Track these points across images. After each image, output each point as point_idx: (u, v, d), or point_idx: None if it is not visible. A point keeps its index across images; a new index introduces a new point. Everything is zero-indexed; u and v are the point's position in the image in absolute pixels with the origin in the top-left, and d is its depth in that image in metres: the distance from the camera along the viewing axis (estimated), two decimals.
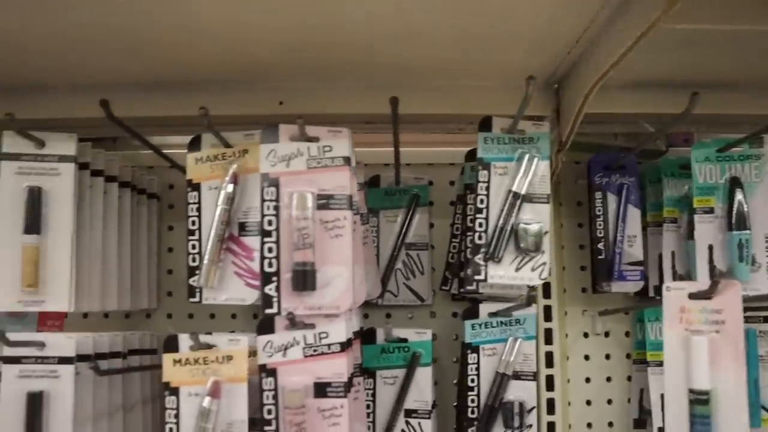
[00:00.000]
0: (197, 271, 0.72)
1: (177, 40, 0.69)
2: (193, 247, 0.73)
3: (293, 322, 0.64)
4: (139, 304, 0.91)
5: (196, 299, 0.72)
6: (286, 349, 0.68)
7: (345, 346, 0.68)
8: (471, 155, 0.87)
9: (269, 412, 0.68)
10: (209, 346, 0.68)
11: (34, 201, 0.71)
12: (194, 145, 0.74)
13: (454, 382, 0.93)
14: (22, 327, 0.90)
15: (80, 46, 0.70)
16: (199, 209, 0.73)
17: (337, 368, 0.67)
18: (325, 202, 0.67)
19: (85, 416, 0.73)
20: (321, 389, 0.67)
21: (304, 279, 0.65)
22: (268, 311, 0.66)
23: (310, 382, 0.67)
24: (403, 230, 0.93)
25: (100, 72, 0.78)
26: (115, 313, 0.96)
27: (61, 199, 0.73)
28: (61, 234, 0.72)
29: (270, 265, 0.66)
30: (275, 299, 0.66)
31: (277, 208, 0.67)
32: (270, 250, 0.67)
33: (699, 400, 0.64)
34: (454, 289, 0.91)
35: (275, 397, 0.68)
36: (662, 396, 0.87)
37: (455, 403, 0.93)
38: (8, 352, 0.71)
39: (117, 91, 0.75)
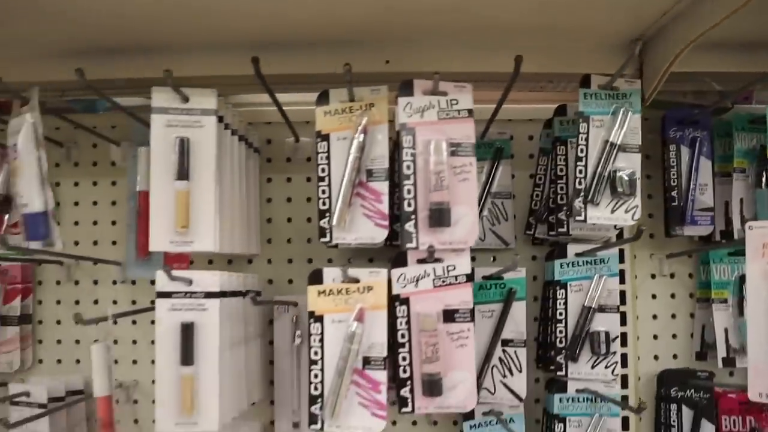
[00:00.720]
0: (327, 214, 0.80)
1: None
2: (323, 192, 0.81)
3: (432, 255, 0.73)
4: (252, 249, 0.99)
5: (327, 239, 0.80)
6: (417, 280, 0.77)
7: (470, 277, 0.76)
8: (559, 111, 0.95)
9: (403, 336, 0.77)
10: (351, 280, 0.76)
11: (184, 150, 0.79)
12: (322, 99, 0.82)
13: (535, 317, 1.02)
14: (147, 270, 0.98)
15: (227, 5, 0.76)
16: (328, 158, 0.81)
17: (463, 296, 0.76)
18: (454, 149, 0.76)
19: (225, 344, 0.82)
20: (449, 315, 0.76)
21: (441, 217, 0.73)
22: (409, 246, 0.74)
23: (440, 309, 0.76)
24: (489, 181, 1.00)
25: (241, 32, 0.84)
26: (219, 259, 1.05)
27: (205, 148, 0.80)
28: (205, 181, 0.80)
29: (409, 204, 0.75)
30: (414, 235, 0.75)
31: (413, 154, 0.75)
32: (409, 191, 0.75)
33: None
34: (538, 233, 1.00)
35: (408, 323, 0.76)
36: (725, 329, 0.97)
37: (536, 337, 1.02)
38: (163, 287, 0.79)
39: (250, 51, 0.82)
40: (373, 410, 0.75)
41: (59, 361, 1.08)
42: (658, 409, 1.00)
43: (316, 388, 0.76)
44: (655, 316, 1.04)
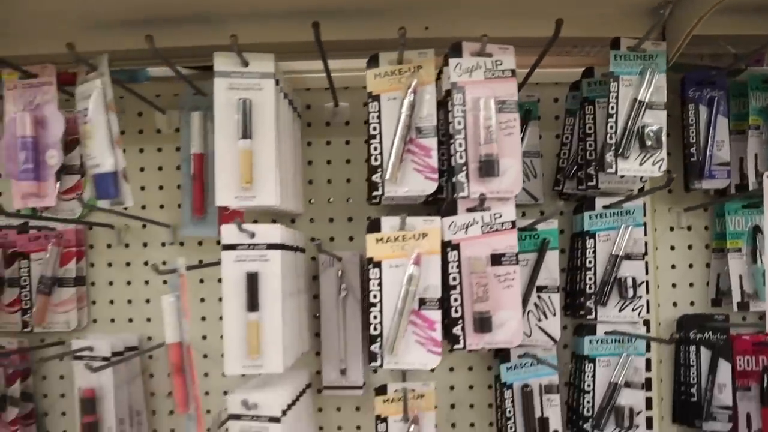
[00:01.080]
0: (379, 170, 0.86)
1: None
2: (375, 149, 0.87)
3: (483, 203, 0.80)
4: (299, 208, 1.05)
5: (379, 192, 0.87)
6: (467, 227, 0.83)
7: (514, 224, 0.83)
8: (587, 73, 1.01)
9: (454, 279, 0.84)
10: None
11: (246, 111, 0.85)
12: (372, 63, 0.87)
13: (563, 268, 1.09)
14: (202, 229, 1.04)
15: None
16: (379, 117, 0.87)
17: (510, 242, 0.83)
18: (499, 106, 0.82)
19: (285, 293, 0.88)
20: (497, 259, 0.83)
21: (490, 167, 0.80)
22: (461, 194, 0.81)
23: (488, 254, 0.83)
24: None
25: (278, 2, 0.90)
26: (263, 219, 1.11)
27: (265, 109, 0.86)
28: (266, 139, 0.86)
29: (461, 157, 0.81)
30: (465, 185, 0.81)
31: (464, 111, 0.81)
32: (460, 145, 0.81)
33: None
34: (566, 189, 1.06)
35: (458, 267, 0.83)
36: (740, 276, 1.05)
37: (563, 286, 1.09)
38: (228, 240, 0.85)
39: (287, 19, 0.87)
40: (428, 347, 0.82)
41: (112, 320, 1.15)
42: (677, 351, 1.08)
43: (375, 329, 0.83)
44: (673, 266, 1.11)
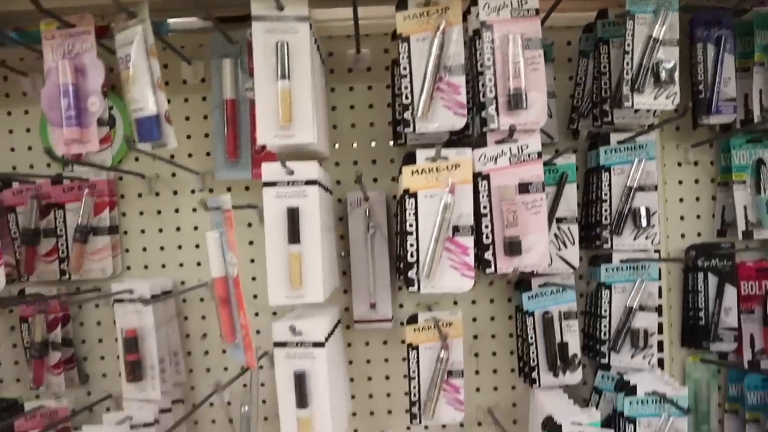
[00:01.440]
0: (409, 107, 0.91)
1: None
2: (405, 87, 0.91)
3: (512, 133, 0.85)
4: (326, 151, 1.10)
5: (411, 129, 0.91)
6: (496, 158, 0.88)
7: (540, 155, 0.88)
8: (601, 15, 1.05)
9: (484, 207, 0.89)
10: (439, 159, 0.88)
11: (284, 52, 0.88)
12: (401, 5, 0.91)
13: (577, 203, 1.15)
14: (236, 172, 1.09)
15: None
16: (409, 57, 0.91)
17: (536, 171, 0.89)
18: (526, 43, 0.87)
19: (323, 227, 0.93)
20: (524, 187, 0.89)
21: (519, 100, 0.85)
22: (492, 126, 0.86)
23: (516, 183, 0.88)
24: None
25: None
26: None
27: (301, 51, 0.89)
28: (303, 80, 0.89)
29: (490, 91, 0.86)
30: (495, 117, 0.86)
31: (493, 48, 0.86)
32: (490, 80, 0.86)
33: None
34: (581, 127, 1.12)
35: (489, 196, 0.89)
36: (744, 206, 1.11)
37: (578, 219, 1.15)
38: (268, 178, 0.89)
39: None
40: (462, 272, 0.88)
41: (146, 267, 1.19)
42: (686, 279, 1.15)
43: (411, 256, 0.88)
44: (681, 200, 1.17)
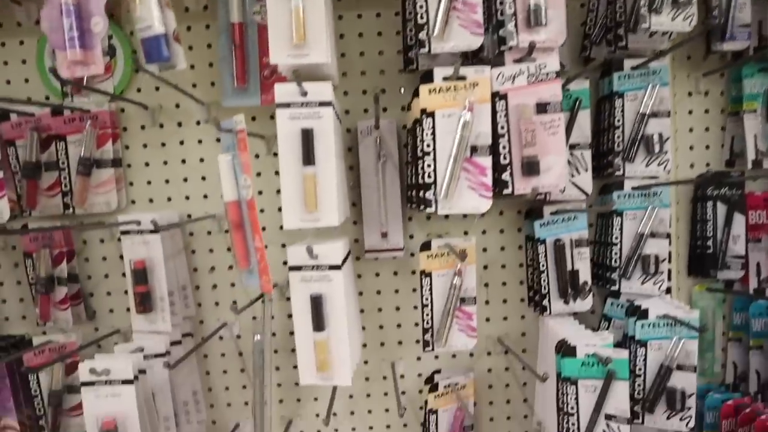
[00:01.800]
0: (425, 27, 0.89)
1: None
2: (421, 6, 0.89)
3: (532, 50, 0.83)
4: (336, 79, 1.07)
5: (425, 50, 0.89)
6: (514, 78, 0.87)
7: (558, 73, 0.87)
8: None
9: (502, 128, 0.88)
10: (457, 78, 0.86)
11: None
12: None
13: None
14: (244, 98, 1.06)
15: None
16: None
17: (554, 90, 0.87)
18: None
19: (337, 149, 0.91)
20: (542, 107, 0.87)
21: (539, 16, 0.83)
22: (511, 43, 0.84)
23: (534, 102, 0.87)
24: None
25: None
26: None
27: None
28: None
29: (510, 7, 0.84)
30: (514, 34, 0.84)
31: None
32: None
33: None
34: (593, 55, 1.10)
35: (506, 116, 0.88)
36: (755, 135, 1.11)
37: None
38: (281, 99, 0.87)
39: None
40: (480, 192, 0.87)
41: (151, 201, 1.18)
42: (694, 209, 1.15)
43: (429, 176, 0.87)
44: (691, 130, 1.17)
